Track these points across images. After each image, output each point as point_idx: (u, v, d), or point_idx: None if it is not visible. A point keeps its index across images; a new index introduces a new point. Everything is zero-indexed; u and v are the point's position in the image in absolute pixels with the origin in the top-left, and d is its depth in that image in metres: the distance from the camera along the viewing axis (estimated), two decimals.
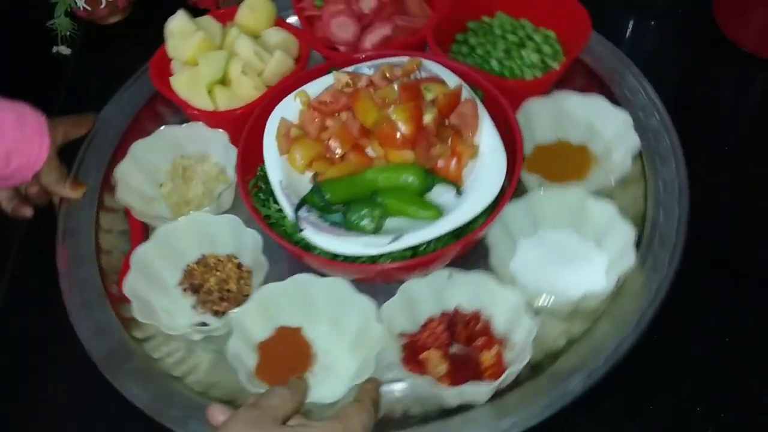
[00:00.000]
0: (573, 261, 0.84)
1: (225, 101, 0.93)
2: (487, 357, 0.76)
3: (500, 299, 0.78)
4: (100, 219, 0.93)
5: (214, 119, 0.94)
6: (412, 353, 0.77)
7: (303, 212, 0.77)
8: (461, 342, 0.78)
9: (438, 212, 0.77)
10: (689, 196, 0.86)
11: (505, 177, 0.78)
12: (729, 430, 0.76)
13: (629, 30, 1.15)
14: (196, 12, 1.00)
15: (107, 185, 0.95)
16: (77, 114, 0.99)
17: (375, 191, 0.78)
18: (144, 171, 0.94)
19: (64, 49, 1.14)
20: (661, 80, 0.99)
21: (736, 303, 0.84)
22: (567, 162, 0.93)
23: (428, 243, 0.77)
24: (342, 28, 0.97)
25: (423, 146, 0.79)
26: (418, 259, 0.76)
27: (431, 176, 0.78)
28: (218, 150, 0.95)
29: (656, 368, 0.79)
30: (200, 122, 0.95)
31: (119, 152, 0.97)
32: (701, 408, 0.77)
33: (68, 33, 1.12)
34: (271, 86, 0.94)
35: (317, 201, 0.77)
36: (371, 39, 0.97)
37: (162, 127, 0.96)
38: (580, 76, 1.01)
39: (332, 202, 0.77)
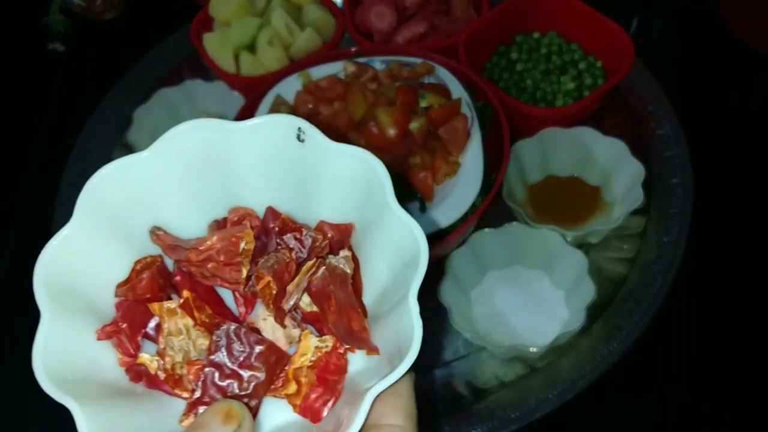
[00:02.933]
0: (534, 308, 0.79)
1: (248, 67, 0.94)
2: None
3: None
4: (114, 154, 0.98)
5: (233, 82, 0.96)
6: None
7: None
8: None
9: None
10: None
11: (480, 201, 0.75)
12: (733, 428, 0.75)
13: (634, 27, 1.09)
14: (193, 7, 1.01)
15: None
16: None
17: None
18: (164, 118, 0.98)
19: (59, 46, 1.13)
20: (665, 78, 0.96)
21: (738, 303, 0.82)
22: (574, 201, 0.88)
23: None
24: (380, 18, 0.96)
25: (401, 152, 0.77)
26: None
27: (399, 184, 0.76)
28: (235, 112, 0.97)
29: (658, 368, 0.78)
30: (222, 82, 0.97)
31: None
32: (704, 408, 0.75)
33: (63, 30, 1.11)
34: (295, 61, 0.95)
35: None
36: (405, 34, 0.95)
37: (186, 81, 1.00)
38: (617, 115, 0.94)
39: None
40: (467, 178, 0.76)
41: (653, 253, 0.81)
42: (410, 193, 0.77)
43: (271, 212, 0.46)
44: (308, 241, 0.45)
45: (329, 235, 0.45)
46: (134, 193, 0.43)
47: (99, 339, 0.42)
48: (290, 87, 0.85)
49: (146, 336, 0.44)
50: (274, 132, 0.43)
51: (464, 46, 0.89)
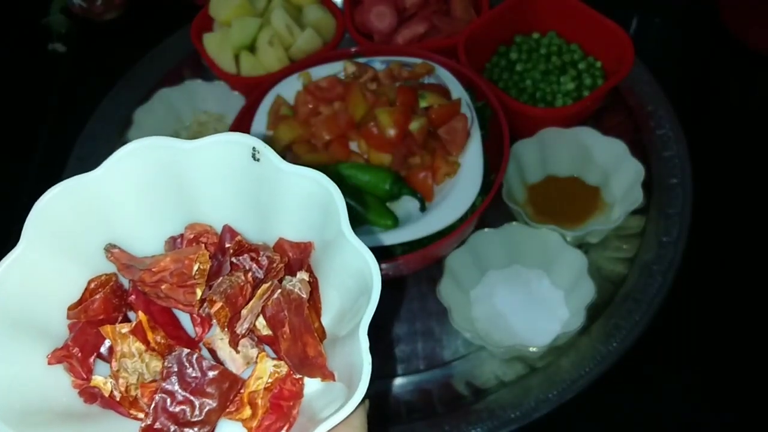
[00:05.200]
0: (534, 308, 0.79)
1: (248, 67, 0.94)
2: None
3: None
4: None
5: (233, 82, 0.96)
6: None
7: None
8: None
9: (395, 222, 0.75)
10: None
11: (480, 201, 0.75)
12: (733, 428, 0.74)
13: (634, 27, 1.09)
14: (191, 8, 1.02)
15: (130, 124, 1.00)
16: None
17: (341, 187, 0.77)
18: (164, 118, 0.99)
19: (60, 47, 1.14)
20: (665, 78, 0.97)
21: (737, 303, 0.82)
22: (574, 201, 0.88)
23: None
24: (380, 18, 0.96)
25: (401, 152, 0.77)
26: None
27: (399, 184, 0.76)
28: (235, 112, 0.97)
29: (658, 368, 0.78)
30: (223, 82, 0.98)
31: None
32: (703, 407, 0.76)
33: (64, 30, 1.11)
34: (295, 61, 0.95)
35: None
36: (404, 35, 0.95)
37: (186, 81, 1.00)
38: (617, 115, 0.94)
39: None
40: (467, 178, 0.76)
41: (653, 253, 0.81)
42: (410, 193, 0.77)
43: (228, 231, 0.45)
44: (265, 262, 0.44)
45: (288, 254, 0.45)
46: (87, 211, 0.43)
47: (50, 364, 0.41)
48: (290, 87, 0.85)
49: (100, 356, 0.43)
50: (228, 151, 0.42)
51: (464, 47, 0.89)
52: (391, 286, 0.84)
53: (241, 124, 0.85)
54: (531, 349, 0.73)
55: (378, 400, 0.75)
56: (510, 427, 0.72)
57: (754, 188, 0.91)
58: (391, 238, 0.74)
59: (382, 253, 0.75)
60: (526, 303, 0.80)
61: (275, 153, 0.41)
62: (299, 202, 0.43)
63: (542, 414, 0.72)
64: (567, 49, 0.96)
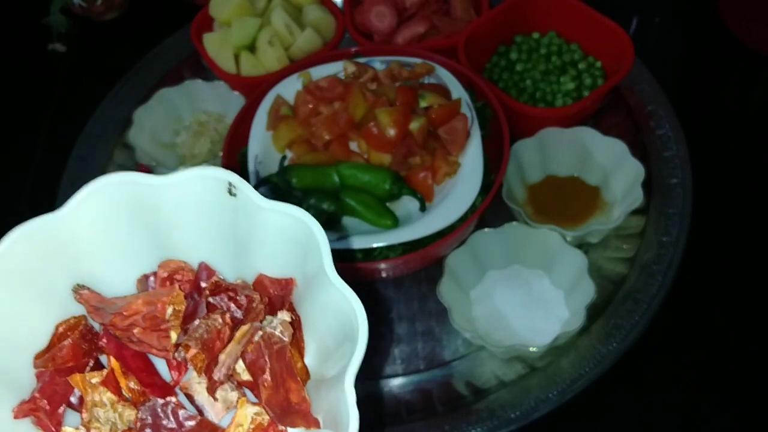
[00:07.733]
0: (534, 308, 0.79)
1: (248, 67, 0.94)
2: None
3: None
4: (115, 154, 0.98)
5: (234, 82, 0.96)
6: None
7: (263, 190, 0.77)
8: None
9: (395, 222, 0.75)
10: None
11: (480, 201, 0.76)
12: (733, 428, 0.74)
13: (634, 27, 1.09)
14: (191, 8, 1.02)
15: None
16: None
17: (341, 187, 0.77)
18: (164, 118, 0.99)
19: (60, 47, 1.14)
20: (665, 78, 0.96)
21: (737, 303, 0.82)
22: (574, 201, 0.88)
23: (380, 249, 0.75)
24: (380, 18, 0.96)
25: (401, 152, 0.77)
26: (366, 264, 0.75)
27: (399, 185, 0.76)
28: (235, 112, 0.97)
29: (657, 368, 0.78)
30: (223, 82, 0.98)
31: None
32: (703, 408, 0.75)
33: (64, 30, 1.11)
34: (295, 61, 0.95)
35: (281, 183, 0.77)
36: (404, 34, 0.95)
37: (187, 81, 1.00)
38: (617, 115, 0.94)
39: (295, 188, 0.77)
40: (467, 178, 0.76)
41: (653, 253, 0.81)
42: (410, 193, 0.77)
43: (205, 270, 0.44)
44: (243, 301, 0.42)
45: (269, 290, 0.42)
46: (53, 252, 0.41)
47: (16, 418, 0.39)
48: (290, 87, 0.85)
49: (70, 405, 0.41)
50: (202, 186, 0.41)
51: (464, 47, 0.89)
52: (391, 286, 0.84)
53: (241, 124, 0.85)
54: (531, 349, 0.73)
55: (375, 401, 0.75)
56: (510, 427, 0.72)
57: (754, 188, 0.91)
58: (391, 238, 0.74)
59: (382, 254, 0.75)
60: (526, 303, 0.79)
61: (252, 188, 0.40)
62: (278, 238, 0.41)
63: (542, 414, 0.72)
64: (567, 49, 0.96)
